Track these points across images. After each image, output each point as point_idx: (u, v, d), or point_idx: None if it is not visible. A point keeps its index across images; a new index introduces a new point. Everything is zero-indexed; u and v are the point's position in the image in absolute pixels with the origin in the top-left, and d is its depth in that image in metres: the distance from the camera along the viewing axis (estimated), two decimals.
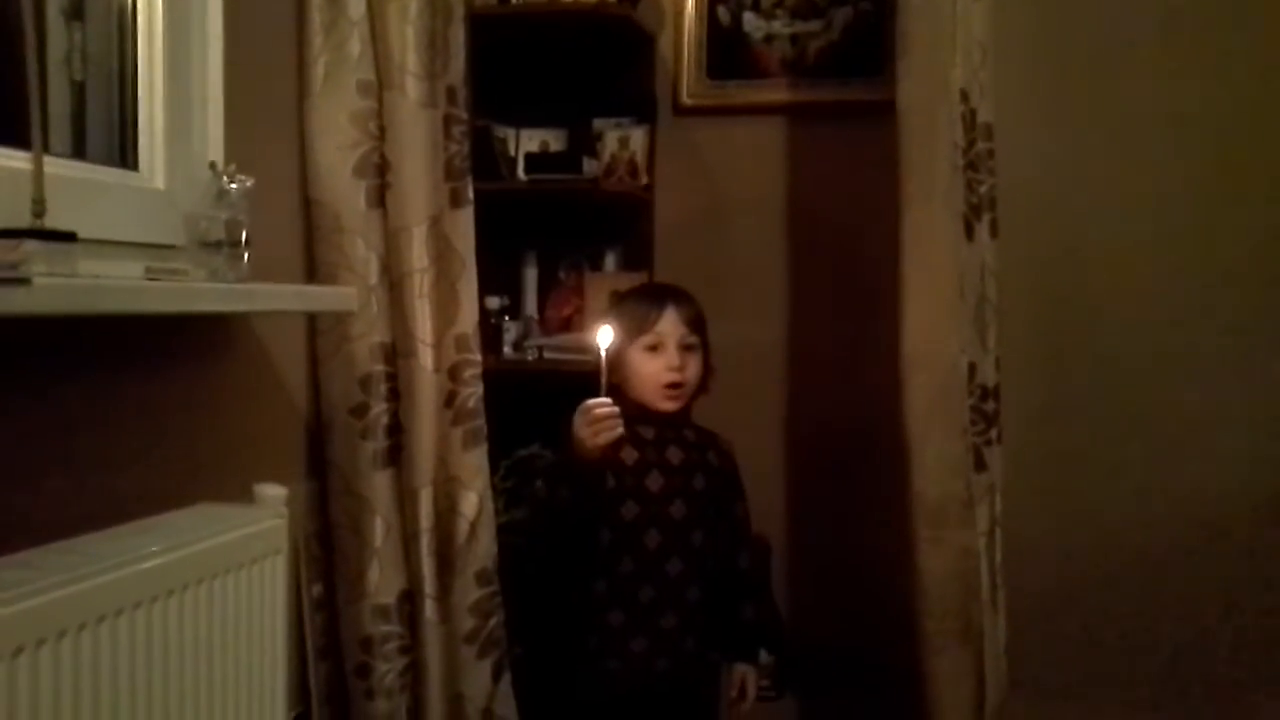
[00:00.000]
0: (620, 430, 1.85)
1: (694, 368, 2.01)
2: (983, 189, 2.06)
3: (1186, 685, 2.50)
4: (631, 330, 1.99)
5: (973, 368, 2.03)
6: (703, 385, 2.05)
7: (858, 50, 2.68)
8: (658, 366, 1.98)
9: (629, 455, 1.96)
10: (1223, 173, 2.49)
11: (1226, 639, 2.49)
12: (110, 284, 1.23)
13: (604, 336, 1.88)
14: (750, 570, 2.10)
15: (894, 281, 2.05)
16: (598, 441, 1.84)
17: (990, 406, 2.08)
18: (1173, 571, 2.51)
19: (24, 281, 1.00)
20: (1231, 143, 2.49)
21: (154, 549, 1.25)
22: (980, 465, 2.06)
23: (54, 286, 1.07)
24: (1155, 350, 2.52)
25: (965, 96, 2.01)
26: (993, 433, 2.09)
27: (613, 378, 1.95)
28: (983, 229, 2.06)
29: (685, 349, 2.00)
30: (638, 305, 2.04)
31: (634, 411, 1.98)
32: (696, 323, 2.02)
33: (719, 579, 2.03)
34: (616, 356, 1.97)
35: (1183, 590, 2.51)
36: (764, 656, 2.10)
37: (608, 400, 1.85)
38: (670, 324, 1.99)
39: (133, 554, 1.22)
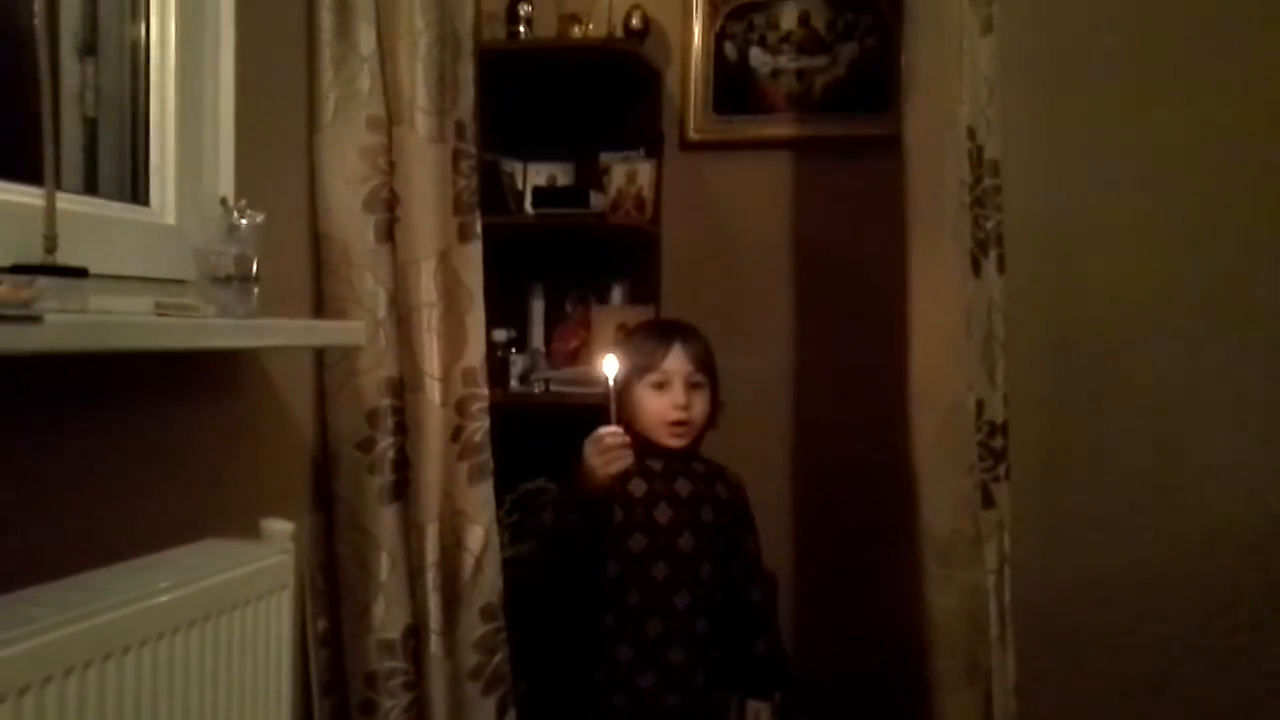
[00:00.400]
0: (630, 459, 1.85)
1: (700, 406, 2.01)
2: (989, 225, 2.07)
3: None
4: (638, 367, 1.99)
5: (980, 404, 2.03)
6: (711, 421, 2.05)
7: (863, 86, 2.70)
8: (664, 405, 1.98)
9: (637, 487, 1.96)
10: (1230, 208, 2.50)
11: (1242, 677, 2.47)
12: (120, 320, 1.23)
13: (610, 366, 1.89)
14: (762, 604, 2.09)
15: (901, 316, 2.05)
16: (608, 470, 1.85)
17: (998, 443, 2.07)
18: (1187, 611, 2.49)
19: (36, 320, 1.00)
20: (1239, 178, 2.49)
21: (161, 585, 1.24)
22: (989, 502, 2.05)
23: (65, 324, 1.07)
24: (1164, 387, 2.52)
25: (972, 133, 2.01)
26: (1001, 469, 2.08)
27: (621, 413, 1.95)
28: (990, 265, 2.06)
29: (692, 387, 2.00)
30: (645, 342, 2.05)
31: (642, 445, 1.98)
32: (704, 361, 2.03)
33: (730, 612, 2.02)
34: (624, 393, 1.97)
35: (1197, 629, 2.49)
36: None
37: (619, 429, 1.86)
38: (677, 362, 1.99)
39: (140, 591, 1.22)
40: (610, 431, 1.86)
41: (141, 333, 1.23)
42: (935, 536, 2.01)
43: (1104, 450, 2.54)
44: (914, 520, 2.03)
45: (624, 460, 1.86)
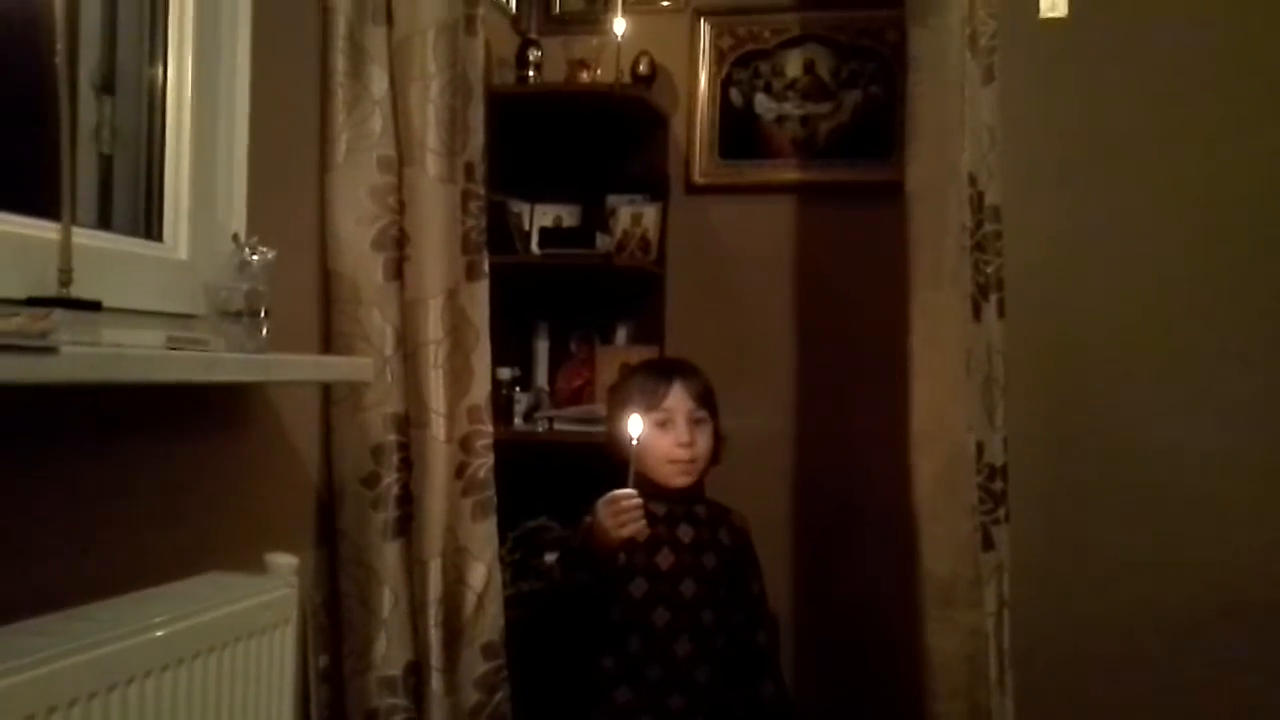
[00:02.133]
0: (644, 524, 1.86)
1: (704, 442, 2.02)
2: (990, 270, 2.09)
3: None
4: (640, 406, 2.00)
5: (980, 447, 2.04)
6: (714, 457, 2.05)
7: (867, 132, 2.73)
8: (668, 442, 1.99)
9: (645, 531, 1.96)
10: (1229, 255, 2.52)
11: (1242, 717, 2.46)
12: (134, 353, 1.24)
13: (635, 426, 1.90)
14: (767, 647, 2.08)
15: (902, 359, 2.06)
16: (621, 534, 1.85)
17: (998, 486, 2.08)
18: (1182, 653, 2.49)
19: (52, 351, 1.01)
20: (1239, 226, 2.52)
21: (165, 618, 1.25)
22: (988, 544, 2.06)
23: (80, 355, 1.09)
24: (1162, 431, 2.53)
25: (973, 179, 2.04)
26: (1001, 512, 2.08)
27: (623, 452, 1.96)
28: (990, 309, 2.08)
29: (694, 423, 2.01)
30: (646, 381, 2.06)
31: (646, 487, 1.99)
32: (704, 397, 2.04)
33: (736, 656, 2.02)
34: (626, 432, 1.98)
35: (1193, 672, 2.48)
36: None
37: (634, 492, 1.86)
38: (678, 400, 2.00)
39: (144, 622, 1.22)
40: (625, 494, 1.86)
41: (154, 365, 1.24)
42: (936, 578, 2.01)
43: (1102, 494, 2.54)
44: (915, 562, 2.03)
45: (637, 525, 1.86)
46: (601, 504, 1.88)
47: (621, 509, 1.85)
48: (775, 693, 2.05)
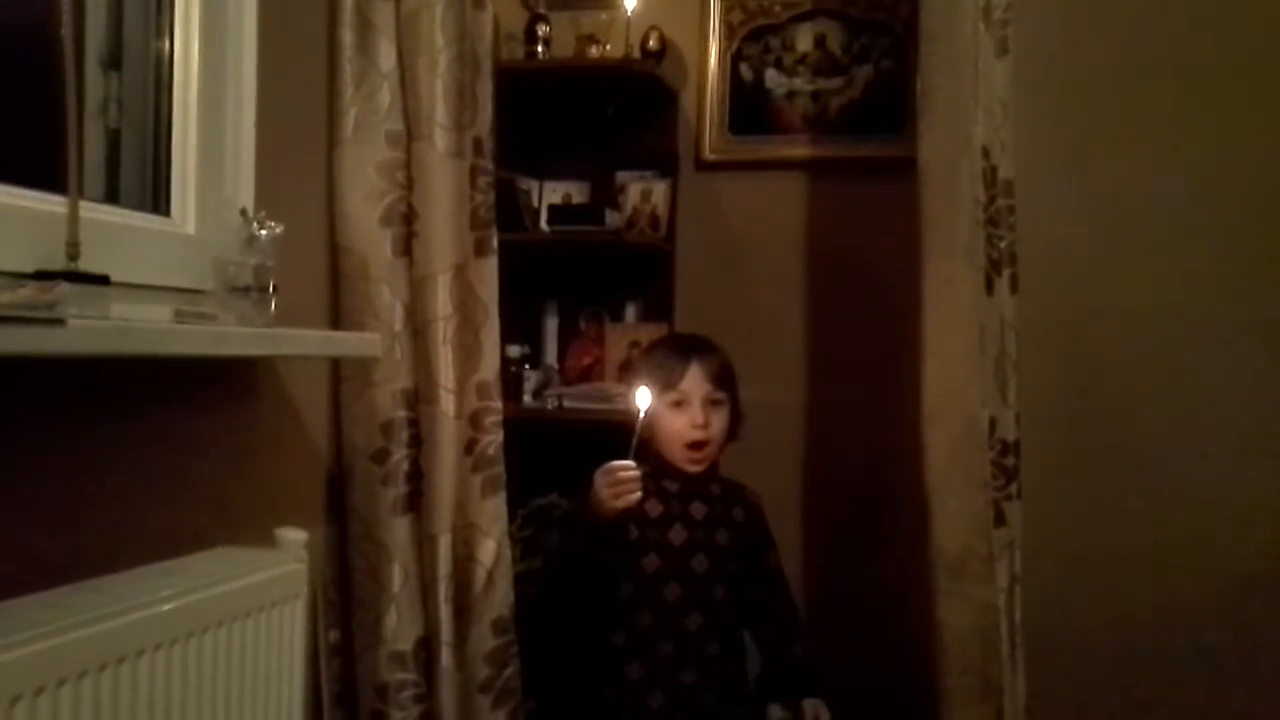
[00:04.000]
0: (639, 495, 1.85)
1: (719, 424, 2.00)
2: (1003, 244, 2.07)
3: None
4: (656, 386, 1.98)
5: (993, 422, 2.03)
6: (732, 434, 2.04)
7: (878, 107, 2.71)
8: (682, 424, 1.98)
9: (653, 508, 1.96)
10: (1244, 229, 2.50)
11: (1254, 696, 2.45)
12: (141, 326, 1.24)
13: (643, 398, 1.89)
14: (790, 615, 2.09)
15: (914, 334, 2.05)
16: (616, 505, 1.84)
17: (1010, 462, 2.07)
18: (1195, 629, 2.48)
19: (59, 322, 1.01)
20: (1254, 199, 2.49)
21: (174, 591, 1.25)
22: (1000, 520, 2.04)
23: (87, 328, 1.08)
24: (1176, 407, 2.51)
25: (986, 153, 2.02)
26: (1013, 488, 2.07)
27: (640, 432, 1.96)
28: (1003, 284, 2.06)
29: (711, 405, 1.99)
30: (663, 360, 2.03)
31: (659, 465, 1.98)
32: (722, 378, 2.02)
33: (758, 628, 2.03)
34: (634, 403, 1.98)
35: (1206, 648, 2.47)
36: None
37: (631, 464, 1.85)
38: (694, 382, 1.99)
39: (153, 596, 1.23)
40: (622, 465, 1.85)
41: (162, 338, 1.24)
42: (948, 553, 2.00)
43: (1115, 470, 2.53)
44: (926, 537, 2.03)
45: (634, 496, 1.85)
46: (599, 474, 1.87)
47: (618, 479, 1.84)
48: (805, 653, 2.05)
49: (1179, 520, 2.50)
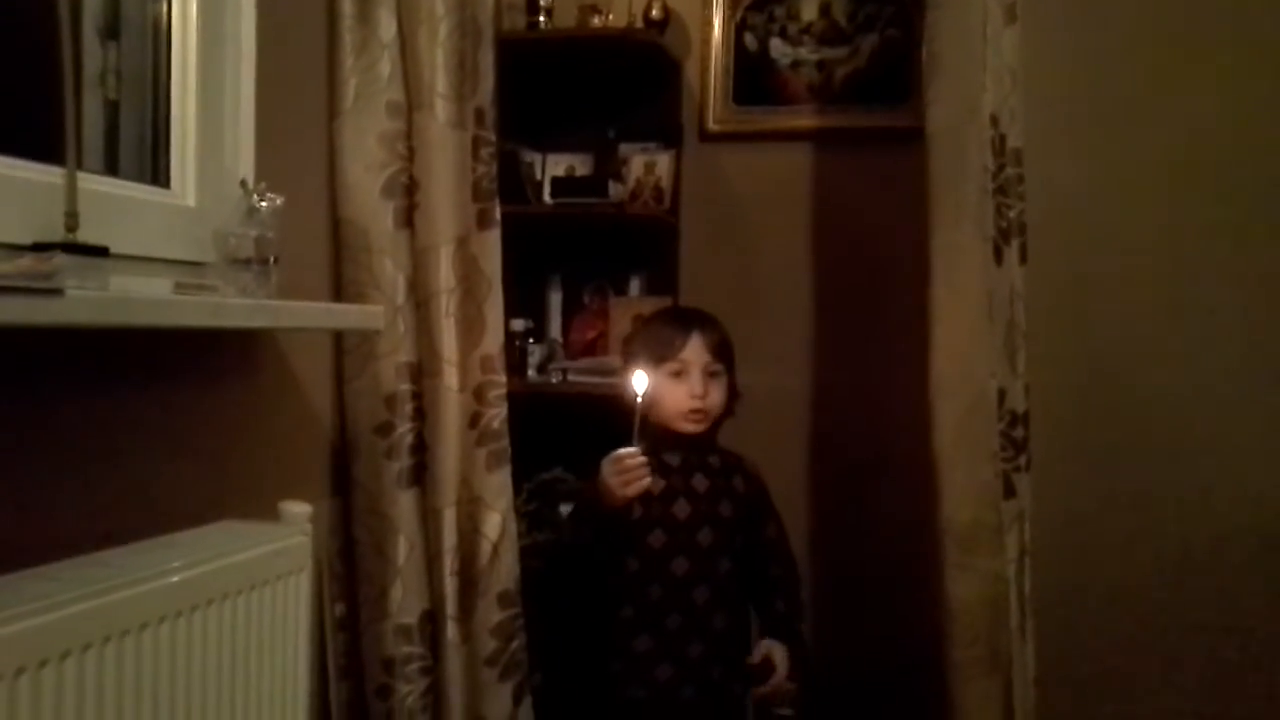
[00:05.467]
0: (648, 481, 1.85)
1: (717, 394, 2.00)
2: (1011, 214, 2.05)
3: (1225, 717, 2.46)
4: (655, 356, 1.99)
5: (1002, 393, 2.01)
6: (728, 409, 2.04)
7: (884, 77, 2.68)
8: (681, 393, 1.98)
9: (655, 484, 1.95)
10: (1255, 200, 2.47)
11: (1260, 668, 2.45)
12: (140, 297, 1.23)
13: (639, 382, 1.88)
14: (781, 578, 2.08)
15: (921, 306, 2.03)
16: (625, 492, 1.85)
17: (1019, 433, 2.05)
18: (1205, 603, 2.47)
19: (56, 292, 1.00)
20: (1265, 166, 2.47)
21: (178, 564, 1.25)
22: (1010, 492, 2.03)
23: (85, 298, 1.07)
24: (1186, 379, 2.49)
25: (995, 121, 2.00)
26: (1022, 459, 2.06)
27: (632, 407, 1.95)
28: (1012, 254, 2.04)
29: (709, 376, 1.99)
30: (662, 331, 2.04)
31: (658, 435, 1.98)
32: (721, 349, 2.02)
33: (753, 592, 2.03)
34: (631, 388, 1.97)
35: (1216, 621, 2.47)
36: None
37: (637, 451, 1.85)
38: (694, 352, 1.99)
39: (157, 569, 1.22)
40: (630, 453, 1.85)
41: (161, 309, 1.23)
42: (957, 525, 1.99)
43: (1124, 442, 2.51)
44: (935, 509, 2.01)
45: (642, 483, 1.85)
46: (606, 463, 1.88)
47: (626, 468, 1.84)
48: (786, 607, 2.05)
49: (1192, 490, 2.48)
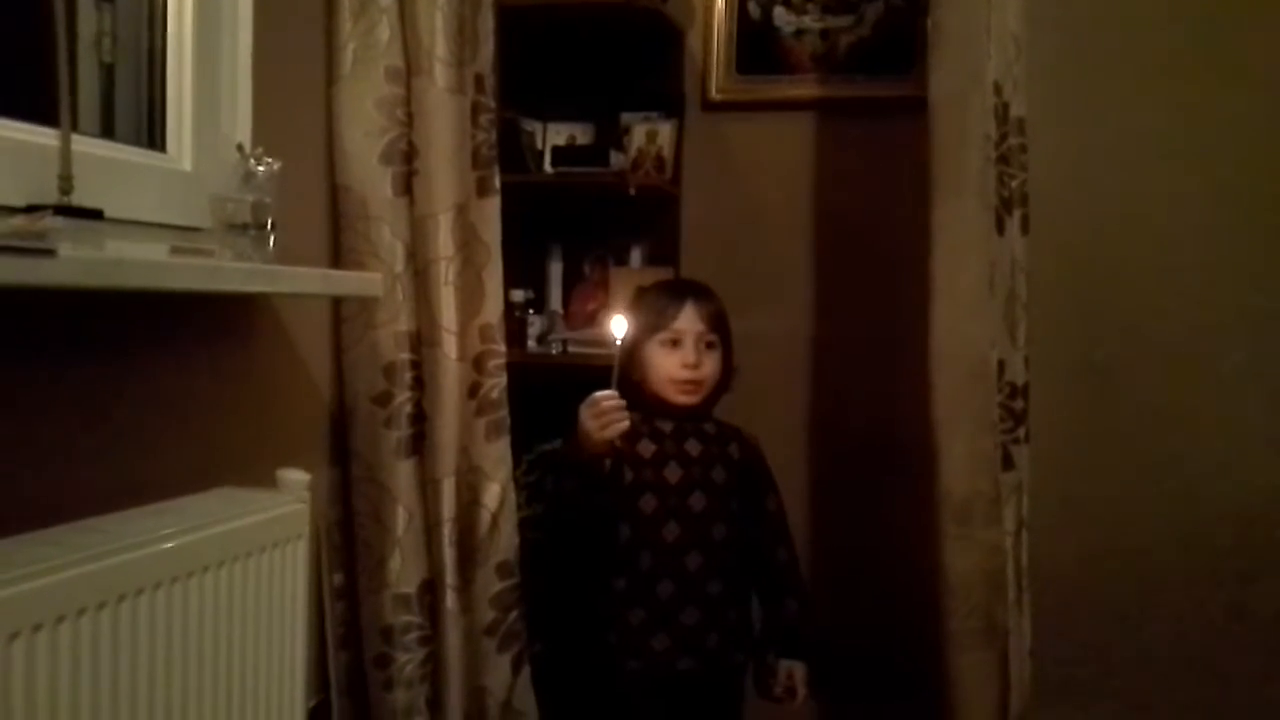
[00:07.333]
0: (626, 423, 1.83)
1: (711, 366, 1.99)
2: (1014, 184, 2.03)
3: (1220, 691, 2.46)
4: (650, 325, 1.97)
5: (1002, 364, 2.00)
6: (724, 383, 2.03)
7: (889, 46, 2.65)
8: (674, 363, 1.96)
9: (646, 448, 1.95)
10: (1259, 172, 2.46)
11: (1258, 641, 2.45)
12: (135, 259, 1.22)
13: (618, 326, 1.88)
14: (789, 564, 2.06)
15: (921, 278, 2.02)
16: (604, 435, 1.82)
17: (1019, 405, 2.05)
18: (1205, 578, 2.47)
19: (48, 253, 0.99)
20: (1270, 140, 2.45)
21: (175, 530, 1.24)
22: (1008, 464, 2.03)
23: (78, 259, 1.06)
24: (1188, 353, 2.49)
25: (998, 89, 1.98)
26: (1021, 431, 2.05)
27: (633, 374, 1.94)
28: (1013, 224, 2.03)
29: (704, 347, 1.98)
30: (657, 300, 2.02)
31: (653, 405, 1.97)
32: (716, 321, 2.00)
33: (752, 575, 2.01)
34: (636, 351, 1.96)
35: (1217, 596, 2.47)
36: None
37: (614, 393, 1.83)
38: (689, 321, 1.97)
39: (154, 534, 1.22)
40: (605, 395, 1.83)
41: (156, 273, 1.22)
42: (954, 496, 1.99)
43: (1124, 415, 2.51)
44: (933, 480, 2.01)
45: (620, 424, 1.83)
46: (583, 407, 1.85)
47: (602, 410, 1.82)
48: (800, 609, 2.03)
49: (1192, 463, 2.48)
